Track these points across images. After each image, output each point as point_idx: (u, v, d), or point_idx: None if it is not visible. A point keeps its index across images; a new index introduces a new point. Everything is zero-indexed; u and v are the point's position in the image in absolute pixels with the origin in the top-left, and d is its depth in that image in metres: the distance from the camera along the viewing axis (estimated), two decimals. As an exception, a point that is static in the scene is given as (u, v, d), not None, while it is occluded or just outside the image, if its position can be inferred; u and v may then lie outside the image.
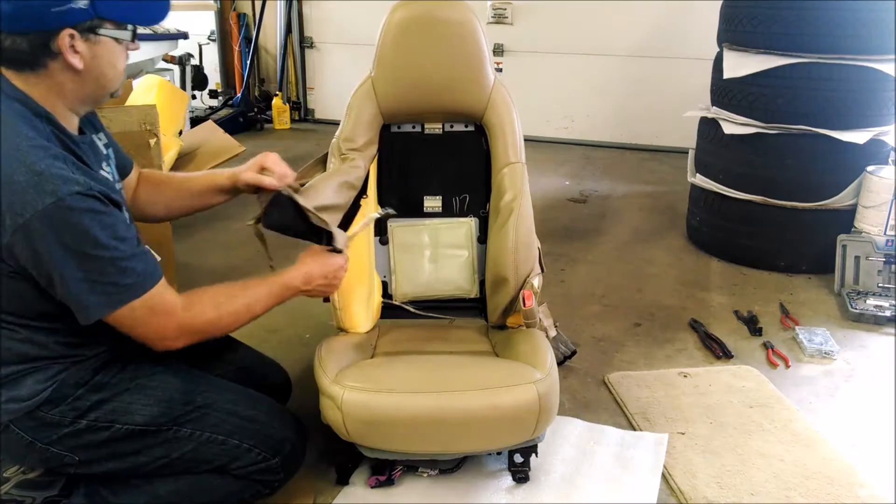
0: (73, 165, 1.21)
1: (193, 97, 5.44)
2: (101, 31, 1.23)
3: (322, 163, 1.90)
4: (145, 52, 4.30)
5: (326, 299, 1.81)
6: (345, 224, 1.77)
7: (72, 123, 1.32)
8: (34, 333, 1.32)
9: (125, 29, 1.27)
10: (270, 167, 1.62)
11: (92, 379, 1.38)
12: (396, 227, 2.02)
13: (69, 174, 1.18)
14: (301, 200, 1.54)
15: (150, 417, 1.40)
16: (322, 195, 1.68)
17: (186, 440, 1.44)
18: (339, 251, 1.59)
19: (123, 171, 1.53)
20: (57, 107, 1.27)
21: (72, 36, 1.20)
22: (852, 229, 2.89)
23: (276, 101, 5.84)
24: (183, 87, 5.06)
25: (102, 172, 1.36)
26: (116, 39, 1.26)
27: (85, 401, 1.37)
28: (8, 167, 1.16)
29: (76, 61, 1.22)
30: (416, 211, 2.03)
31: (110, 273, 1.22)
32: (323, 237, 1.57)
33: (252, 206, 1.63)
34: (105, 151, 1.43)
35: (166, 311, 1.31)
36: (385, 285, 2.02)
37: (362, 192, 1.88)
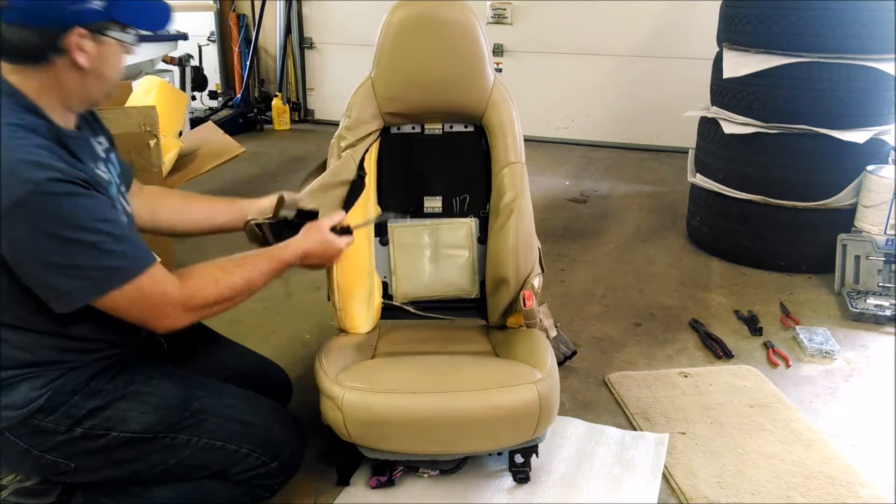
0: (55, 155, 1.19)
1: (193, 98, 5.43)
2: (109, 32, 1.25)
3: (321, 168, 1.91)
4: (145, 53, 4.30)
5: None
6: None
7: (66, 119, 1.30)
8: (20, 336, 1.29)
9: (130, 32, 1.29)
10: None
11: (87, 385, 1.35)
12: (396, 227, 2.01)
13: (48, 161, 1.16)
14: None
15: (147, 425, 1.38)
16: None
17: (184, 447, 1.42)
18: (349, 232, 1.63)
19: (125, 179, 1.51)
20: (50, 102, 1.26)
21: (80, 35, 1.21)
22: (852, 229, 2.89)
23: (276, 102, 5.84)
24: (183, 88, 5.05)
25: (99, 171, 1.33)
26: (121, 42, 1.28)
27: (80, 408, 1.34)
28: None
29: (83, 60, 1.23)
30: (417, 211, 2.03)
31: (94, 256, 1.20)
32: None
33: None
34: (104, 155, 1.40)
35: (162, 292, 1.29)
36: (385, 286, 2.02)
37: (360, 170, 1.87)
